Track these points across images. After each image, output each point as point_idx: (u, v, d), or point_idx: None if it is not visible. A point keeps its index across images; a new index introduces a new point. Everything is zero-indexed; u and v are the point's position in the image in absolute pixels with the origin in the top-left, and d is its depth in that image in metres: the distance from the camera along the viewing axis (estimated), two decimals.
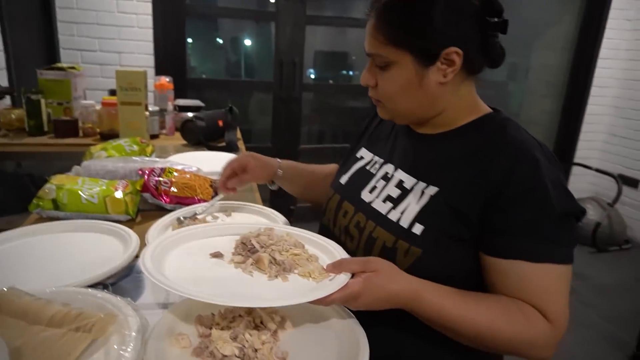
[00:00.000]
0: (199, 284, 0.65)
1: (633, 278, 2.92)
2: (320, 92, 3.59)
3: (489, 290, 0.70)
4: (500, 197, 0.66)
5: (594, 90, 3.72)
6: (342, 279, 0.64)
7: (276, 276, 0.69)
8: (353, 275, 0.65)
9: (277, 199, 1.20)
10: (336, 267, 0.66)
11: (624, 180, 3.50)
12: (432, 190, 0.73)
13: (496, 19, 0.71)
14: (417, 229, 0.71)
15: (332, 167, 1.10)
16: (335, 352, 0.64)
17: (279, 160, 1.05)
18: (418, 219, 0.72)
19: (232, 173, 1.02)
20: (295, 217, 1.06)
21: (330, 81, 3.70)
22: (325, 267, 0.69)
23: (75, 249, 0.91)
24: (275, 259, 0.71)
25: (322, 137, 3.66)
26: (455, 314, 0.65)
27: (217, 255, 0.75)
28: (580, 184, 3.88)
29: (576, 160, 3.84)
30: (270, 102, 3.22)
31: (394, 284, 0.64)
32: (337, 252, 0.75)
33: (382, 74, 0.75)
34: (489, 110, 0.79)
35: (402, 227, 0.73)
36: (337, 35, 3.57)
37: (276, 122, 3.25)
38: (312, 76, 3.53)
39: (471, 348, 0.70)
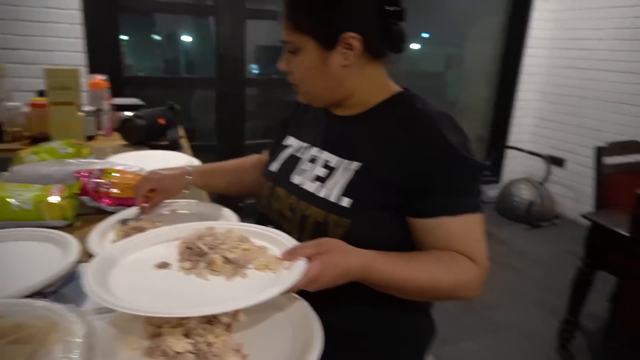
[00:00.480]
0: (158, 299, 0.63)
1: (563, 250, 3.16)
2: (263, 87, 3.56)
3: (420, 249, 0.78)
4: (418, 163, 0.75)
5: (523, 78, 3.96)
6: (301, 265, 0.66)
7: (234, 275, 0.68)
8: (309, 259, 0.67)
9: (224, 196, 1.20)
10: (292, 255, 0.68)
11: (552, 160, 3.77)
12: (356, 165, 0.80)
13: (394, 8, 0.78)
14: (346, 202, 0.78)
15: (255, 158, 1.15)
16: (289, 336, 0.66)
17: (188, 167, 1.06)
18: (345, 193, 0.78)
19: (145, 198, 1.02)
20: (243, 214, 1.06)
21: (274, 76, 3.69)
22: (279, 256, 0.70)
23: (9, 259, 0.86)
24: (227, 258, 0.70)
25: (267, 132, 3.64)
26: (403, 276, 0.71)
27: (164, 265, 0.71)
28: (514, 165, 4.14)
29: (510, 143, 4.09)
30: (213, 99, 3.15)
31: (347, 259, 0.68)
32: (283, 239, 0.76)
33: (293, 59, 0.82)
34: (399, 89, 0.86)
35: (331, 202, 0.79)
36: (279, 30, 3.55)
37: (220, 119, 3.20)
38: (255, 71, 3.49)
39: (410, 303, 0.78)
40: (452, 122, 0.79)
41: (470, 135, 0.79)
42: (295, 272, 0.64)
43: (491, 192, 4.03)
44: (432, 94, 3.98)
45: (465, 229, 0.74)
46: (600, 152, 2.33)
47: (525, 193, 3.67)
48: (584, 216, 2.04)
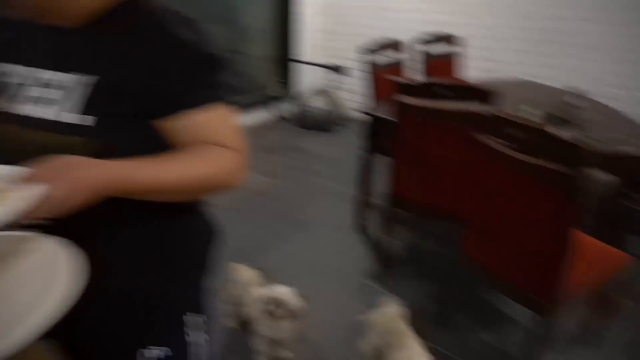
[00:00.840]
0: None
1: (352, 147, 3.51)
2: None
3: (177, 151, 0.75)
4: (154, 65, 0.71)
5: None
6: (38, 189, 0.56)
7: None
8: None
9: None
10: (24, 181, 0.58)
11: (336, 69, 4.09)
12: (93, 79, 0.71)
13: None
14: (87, 120, 0.70)
15: None
16: (41, 280, 0.58)
17: None
18: (85, 111, 0.70)
19: None
20: None
21: None
22: (8, 188, 0.58)
23: None
24: None
25: None
26: (159, 178, 0.68)
27: None
28: (308, 78, 4.37)
29: (299, 58, 4.27)
30: None
31: (92, 173, 0.61)
32: (12, 171, 0.64)
33: None
34: None
35: (71, 124, 0.70)
36: None
37: None
38: None
39: (177, 208, 0.77)
40: (187, 20, 0.75)
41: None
42: (30, 199, 0.55)
43: (289, 107, 4.22)
44: (220, 19, 3.81)
45: (213, 120, 0.74)
46: (367, 53, 2.61)
47: (318, 103, 3.95)
48: (361, 111, 2.30)
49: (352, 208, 2.56)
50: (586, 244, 1.56)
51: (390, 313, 1.52)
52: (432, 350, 1.41)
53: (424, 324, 1.56)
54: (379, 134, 2.29)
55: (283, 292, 1.50)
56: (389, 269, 2.18)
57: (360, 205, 2.49)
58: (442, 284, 2.05)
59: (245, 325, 1.67)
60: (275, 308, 1.47)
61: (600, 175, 2.14)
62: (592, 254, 1.55)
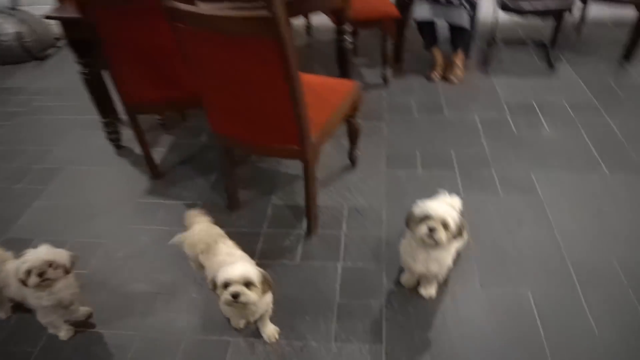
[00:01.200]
0: None
1: (74, 69, 2.99)
2: None
3: None
4: None
5: None
6: None
7: None
8: None
9: None
10: None
11: None
12: None
13: None
14: None
15: None
16: None
17: None
18: None
19: None
20: None
21: None
22: None
23: None
24: None
25: None
26: None
27: None
28: None
29: None
30: None
31: None
32: None
33: None
34: None
35: None
36: None
37: None
38: None
39: None
40: None
41: None
42: None
43: None
44: None
45: None
46: None
47: (4, 27, 3.10)
48: (47, 17, 1.86)
49: (101, 133, 2.26)
50: (313, 83, 1.71)
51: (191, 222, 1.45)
52: (235, 236, 1.42)
53: (220, 216, 1.53)
54: (88, 42, 1.93)
55: (43, 252, 1.28)
56: (163, 178, 2.07)
57: (108, 127, 2.20)
58: (218, 171, 2.06)
59: (19, 307, 1.42)
60: (42, 273, 1.25)
61: (314, 18, 2.28)
62: (322, 89, 1.71)
